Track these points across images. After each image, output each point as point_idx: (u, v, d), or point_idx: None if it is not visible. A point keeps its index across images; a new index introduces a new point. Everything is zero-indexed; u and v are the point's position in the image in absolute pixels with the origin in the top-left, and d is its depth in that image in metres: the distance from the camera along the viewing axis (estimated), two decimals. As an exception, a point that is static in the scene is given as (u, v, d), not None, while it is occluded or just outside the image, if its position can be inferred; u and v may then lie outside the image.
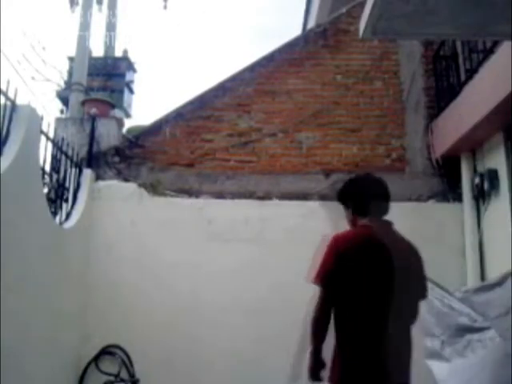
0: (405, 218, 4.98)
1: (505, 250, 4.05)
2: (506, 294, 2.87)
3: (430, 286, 3.20)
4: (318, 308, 2.41)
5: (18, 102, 3.47)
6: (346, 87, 5.45)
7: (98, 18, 10.00)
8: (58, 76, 10.40)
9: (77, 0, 8.27)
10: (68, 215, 4.61)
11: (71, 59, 9.47)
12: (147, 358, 4.61)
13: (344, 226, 5.01)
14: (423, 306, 3.22)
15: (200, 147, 5.32)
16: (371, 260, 2.39)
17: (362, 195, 2.68)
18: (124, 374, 4.62)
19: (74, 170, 4.81)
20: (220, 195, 5.15)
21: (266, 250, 4.90)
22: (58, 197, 4.50)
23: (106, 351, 4.69)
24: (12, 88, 3.38)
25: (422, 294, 2.64)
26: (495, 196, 4.49)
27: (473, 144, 4.74)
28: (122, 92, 10.81)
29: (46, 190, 4.26)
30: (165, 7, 9.99)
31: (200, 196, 5.15)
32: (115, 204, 5.07)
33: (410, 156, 5.28)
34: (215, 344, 4.60)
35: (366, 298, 2.34)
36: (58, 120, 5.48)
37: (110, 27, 10.59)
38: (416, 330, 3.32)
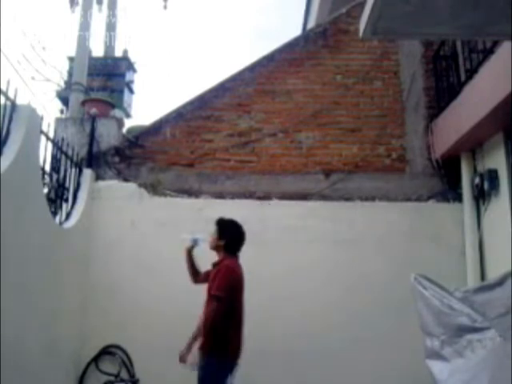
0: (405, 217, 5.03)
1: (505, 250, 4.06)
2: (506, 294, 2.86)
3: (429, 285, 3.21)
4: (219, 313, 3.50)
5: (18, 102, 3.48)
6: (346, 87, 5.46)
7: (98, 17, 10.02)
8: (57, 76, 10.43)
9: (77, 0, 8.27)
10: (68, 215, 4.61)
11: (71, 59, 9.48)
12: (147, 357, 4.61)
13: (342, 227, 5.04)
14: (423, 306, 3.22)
15: (200, 147, 5.32)
16: (242, 281, 3.74)
17: (238, 239, 3.83)
18: (124, 374, 4.62)
19: (73, 169, 4.82)
20: (220, 195, 5.15)
21: (266, 250, 4.90)
22: (57, 197, 4.50)
23: (106, 351, 4.70)
24: (12, 88, 3.40)
25: None
26: (495, 196, 4.49)
27: (473, 144, 4.74)
28: (122, 92, 10.83)
29: (46, 190, 4.26)
30: (165, 7, 10.02)
31: (200, 196, 5.16)
32: (115, 204, 5.07)
33: (410, 156, 5.29)
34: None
35: (240, 304, 3.69)
36: (57, 120, 5.48)
37: (110, 27, 10.60)
38: (416, 330, 3.33)
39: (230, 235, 3.79)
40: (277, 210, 5.08)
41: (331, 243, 4.95)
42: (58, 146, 4.49)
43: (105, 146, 5.26)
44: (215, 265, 3.79)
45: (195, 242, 4.02)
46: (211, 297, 3.58)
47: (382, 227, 4.98)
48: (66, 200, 4.65)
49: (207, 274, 3.90)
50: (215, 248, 3.82)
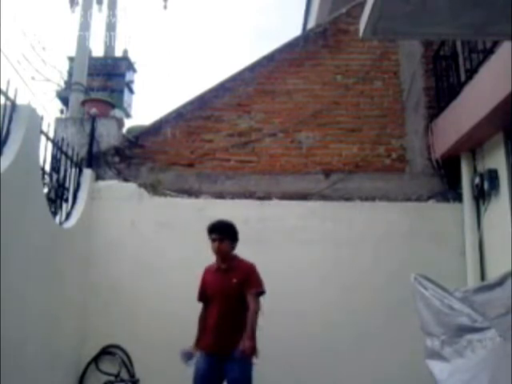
0: (405, 217, 5.03)
1: (505, 250, 4.05)
2: (506, 294, 2.87)
3: (429, 285, 3.21)
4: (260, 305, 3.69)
5: (18, 102, 3.48)
6: (346, 87, 5.45)
7: (98, 17, 10.03)
8: (57, 76, 10.45)
9: (77, 0, 8.27)
10: (68, 215, 4.61)
11: (71, 59, 9.50)
12: (147, 357, 4.61)
13: (342, 227, 5.03)
14: (423, 306, 3.22)
15: (200, 147, 5.32)
16: None
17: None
18: (124, 374, 4.62)
19: (73, 169, 4.82)
20: (220, 195, 5.15)
21: (266, 250, 4.90)
22: (57, 197, 4.50)
23: (106, 351, 4.70)
24: (12, 88, 3.40)
25: None
26: (495, 196, 4.49)
27: (473, 144, 4.74)
28: (122, 92, 10.84)
29: (46, 190, 4.26)
30: (165, 7, 10.03)
31: (200, 196, 5.15)
32: (115, 204, 5.07)
33: (409, 156, 5.29)
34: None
35: None
36: (57, 120, 5.48)
37: (110, 27, 10.61)
38: (416, 330, 3.33)
39: (236, 236, 3.80)
40: (277, 210, 5.07)
41: (331, 243, 4.95)
42: (58, 145, 4.49)
43: (105, 146, 5.26)
44: (228, 268, 3.76)
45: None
46: (256, 294, 3.67)
47: (382, 227, 4.98)
48: (66, 200, 4.65)
49: (204, 288, 3.90)
50: (229, 253, 3.78)
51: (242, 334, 3.55)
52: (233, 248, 3.80)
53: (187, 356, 3.70)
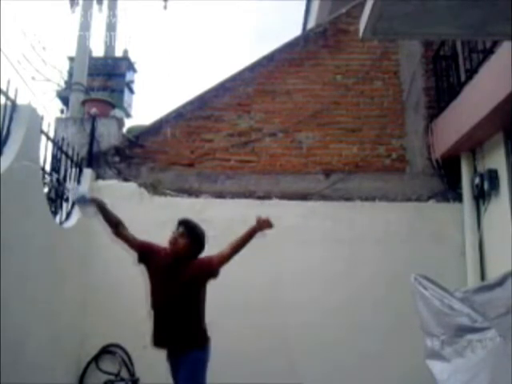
0: (405, 217, 5.03)
1: (505, 250, 4.06)
2: (506, 294, 2.87)
3: (429, 285, 3.21)
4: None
5: (19, 101, 3.48)
6: (346, 87, 5.46)
7: (98, 18, 10.03)
8: (58, 76, 10.44)
9: (77, 0, 8.27)
10: (68, 215, 4.61)
11: (71, 59, 9.51)
12: (147, 357, 4.61)
13: (342, 227, 5.02)
14: (423, 306, 3.23)
15: (200, 147, 5.33)
16: None
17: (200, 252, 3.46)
18: (124, 373, 4.62)
19: (74, 169, 4.82)
20: (220, 195, 5.15)
21: (266, 250, 4.89)
22: (58, 196, 4.50)
23: (106, 350, 4.70)
24: (12, 88, 3.40)
25: None
26: (495, 196, 4.50)
27: (473, 144, 4.75)
28: (122, 92, 10.84)
29: (46, 190, 4.26)
30: (165, 7, 10.01)
31: (200, 196, 5.16)
32: (115, 203, 5.00)
33: (409, 156, 5.29)
34: (213, 343, 4.59)
35: None
36: (58, 120, 5.49)
37: (110, 27, 10.61)
38: (416, 330, 3.34)
39: (198, 247, 3.42)
40: (277, 209, 5.06)
41: (331, 243, 4.95)
42: (58, 145, 4.50)
43: (105, 146, 5.26)
44: (178, 266, 3.36)
45: (82, 200, 3.51)
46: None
47: (382, 227, 4.98)
48: (67, 200, 4.66)
49: (142, 245, 3.60)
50: (181, 253, 3.38)
51: (191, 331, 3.38)
52: (188, 253, 3.38)
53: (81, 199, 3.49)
